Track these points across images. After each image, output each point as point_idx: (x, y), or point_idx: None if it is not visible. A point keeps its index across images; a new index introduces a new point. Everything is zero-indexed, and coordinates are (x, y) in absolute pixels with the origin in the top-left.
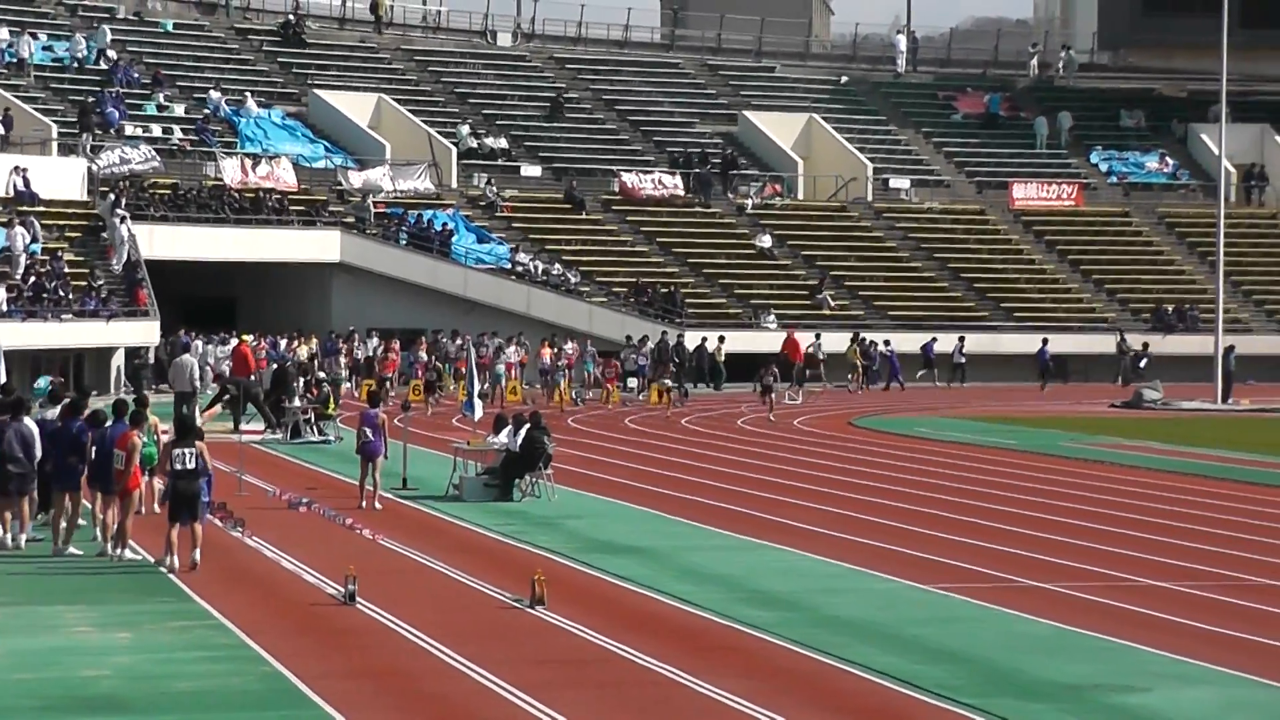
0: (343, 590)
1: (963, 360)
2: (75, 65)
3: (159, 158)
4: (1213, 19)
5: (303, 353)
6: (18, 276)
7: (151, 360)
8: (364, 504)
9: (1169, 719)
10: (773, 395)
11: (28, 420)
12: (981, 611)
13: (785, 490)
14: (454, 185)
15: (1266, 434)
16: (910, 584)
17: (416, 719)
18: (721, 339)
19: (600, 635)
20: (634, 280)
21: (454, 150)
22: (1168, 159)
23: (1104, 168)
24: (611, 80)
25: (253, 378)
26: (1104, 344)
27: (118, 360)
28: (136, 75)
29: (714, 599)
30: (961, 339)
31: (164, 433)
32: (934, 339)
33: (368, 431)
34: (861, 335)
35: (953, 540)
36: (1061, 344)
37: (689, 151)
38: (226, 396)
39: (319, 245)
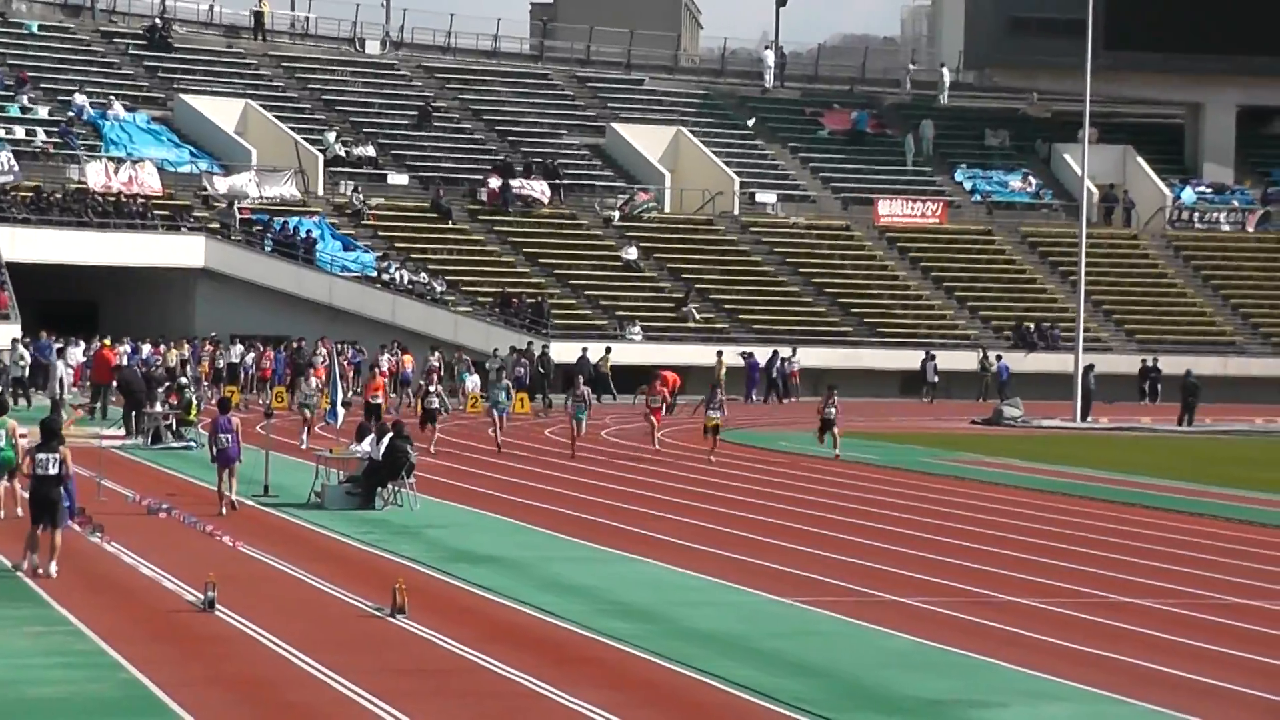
0: (202, 597)
1: (935, 379)
2: None
3: (16, 168)
4: (1077, 40)
5: (172, 358)
6: None
7: (9, 363)
8: (223, 510)
9: None
10: (835, 430)
11: None
12: (842, 626)
13: (647, 502)
14: (320, 192)
15: (1124, 452)
16: (770, 597)
17: None
18: (608, 349)
19: (461, 645)
20: (500, 290)
21: (320, 157)
22: (1031, 178)
23: (968, 186)
24: (480, 90)
25: (114, 384)
26: (966, 360)
27: None
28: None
29: (575, 610)
30: (932, 356)
31: (22, 436)
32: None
33: (224, 438)
34: (747, 351)
35: (813, 554)
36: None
37: (506, 161)
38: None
39: (183, 250)
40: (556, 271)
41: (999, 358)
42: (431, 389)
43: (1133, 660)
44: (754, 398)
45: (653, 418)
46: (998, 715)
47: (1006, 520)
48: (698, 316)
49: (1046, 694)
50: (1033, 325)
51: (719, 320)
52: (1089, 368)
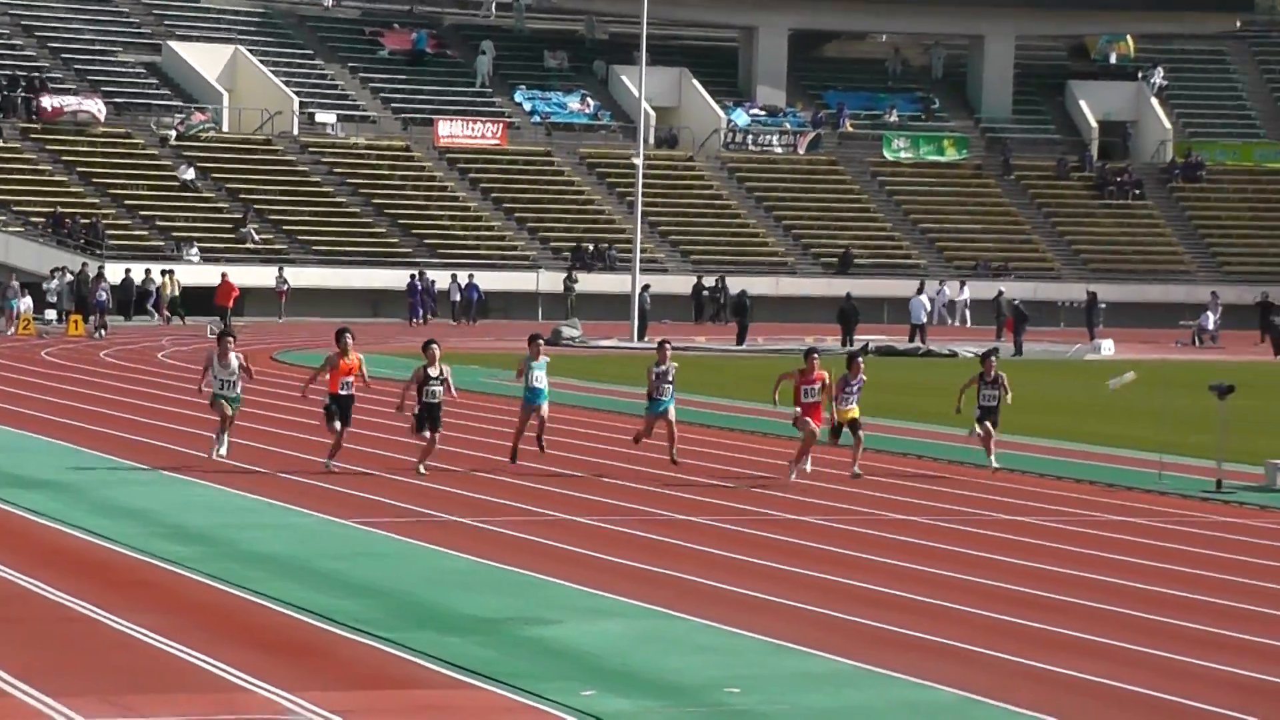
0: None
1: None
2: None
3: None
4: None
5: None
6: None
7: None
8: None
9: (579, 650)
10: (991, 437)
11: None
12: (401, 546)
13: (209, 425)
14: None
15: (681, 371)
16: (330, 518)
17: None
18: (225, 274)
19: (11, 571)
20: (53, 210)
21: None
22: (589, 100)
23: (528, 107)
24: (29, 4)
25: None
26: (525, 281)
27: None
28: None
29: (129, 533)
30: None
31: None
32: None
33: None
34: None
35: (371, 475)
36: (484, 281)
37: (47, 77)
38: None
39: None
40: (111, 191)
41: (470, 278)
42: (434, 374)
43: (688, 576)
44: (420, 320)
45: (810, 423)
46: (553, 631)
47: (563, 439)
48: (256, 238)
49: (602, 610)
50: (591, 246)
51: (278, 241)
52: (645, 288)
